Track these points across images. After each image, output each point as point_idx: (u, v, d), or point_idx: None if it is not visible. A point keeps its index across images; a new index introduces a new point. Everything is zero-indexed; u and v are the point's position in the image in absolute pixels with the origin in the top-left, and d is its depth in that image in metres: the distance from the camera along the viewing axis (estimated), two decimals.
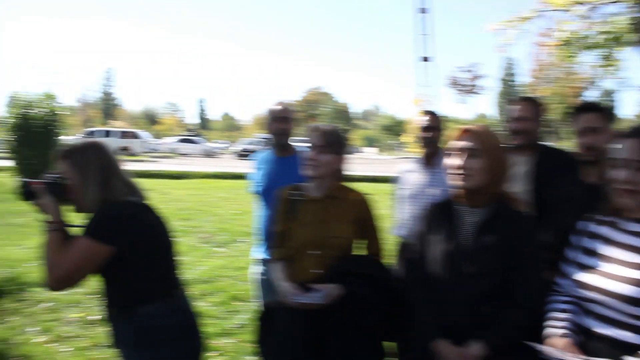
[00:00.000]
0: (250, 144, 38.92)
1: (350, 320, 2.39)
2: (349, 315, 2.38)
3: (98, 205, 2.11)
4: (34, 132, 14.11)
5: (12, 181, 13.69)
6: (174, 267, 2.30)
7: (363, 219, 2.61)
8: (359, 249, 2.64)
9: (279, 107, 3.38)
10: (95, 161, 2.16)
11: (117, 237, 2.06)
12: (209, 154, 39.76)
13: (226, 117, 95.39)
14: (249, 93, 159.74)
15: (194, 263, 6.69)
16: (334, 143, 2.58)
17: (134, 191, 2.24)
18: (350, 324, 2.39)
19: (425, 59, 16.79)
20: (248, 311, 4.97)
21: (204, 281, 5.95)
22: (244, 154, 36.25)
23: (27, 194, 2.17)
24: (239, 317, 4.90)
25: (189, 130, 66.37)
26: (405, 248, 3.40)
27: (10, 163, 15.03)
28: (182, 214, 10.53)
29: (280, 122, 3.35)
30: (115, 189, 2.16)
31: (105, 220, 2.08)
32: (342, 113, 76.58)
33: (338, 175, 2.62)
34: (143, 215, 2.20)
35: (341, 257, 2.51)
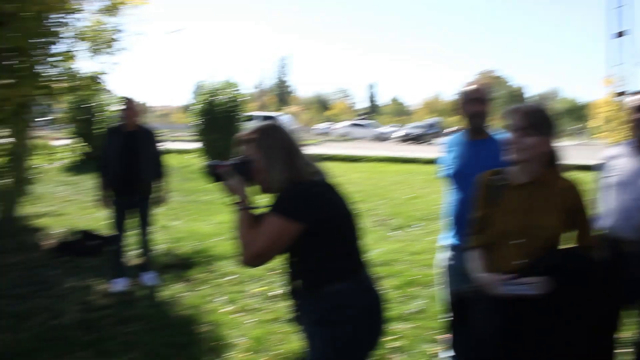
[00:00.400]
0: (414, 128, 38.75)
1: (557, 318, 2.19)
2: (555, 311, 2.19)
3: (284, 185, 2.15)
4: (218, 117, 15.34)
5: (199, 162, 15.02)
6: (359, 247, 2.28)
7: (573, 208, 2.36)
8: (567, 241, 2.41)
9: (473, 88, 3.19)
10: (280, 142, 2.20)
11: (306, 214, 2.09)
12: (379, 138, 40.22)
13: (395, 101, 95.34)
14: (419, 77, 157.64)
15: (370, 246, 6.74)
16: (539, 124, 2.36)
17: (317, 171, 2.25)
18: (557, 321, 2.19)
19: (620, 34, 15.19)
20: (425, 297, 4.90)
21: (379, 264, 5.95)
22: (407, 139, 36.16)
23: (215, 175, 2.26)
24: (416, 303, 4.83)
25: (359, 115, 67.54)
26: (615, 241, 3.07)
27: (197, 145, 16.52)
28: (356, 196, 10.68)
29: (474, 104, 3.16)
30: (300, 169, 2.18)
31: (294, 198, 2.11)
32: (517, 97, 72.62)
33: (546, 159, 2.39)
34: (329, 194, 2.21)
35: (548, 249, 2.31)
